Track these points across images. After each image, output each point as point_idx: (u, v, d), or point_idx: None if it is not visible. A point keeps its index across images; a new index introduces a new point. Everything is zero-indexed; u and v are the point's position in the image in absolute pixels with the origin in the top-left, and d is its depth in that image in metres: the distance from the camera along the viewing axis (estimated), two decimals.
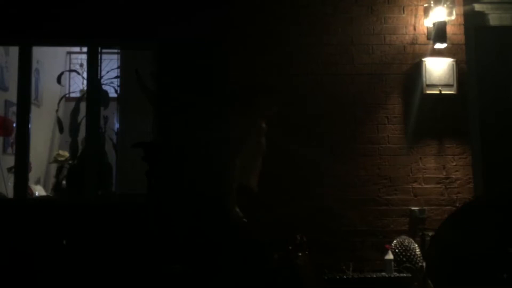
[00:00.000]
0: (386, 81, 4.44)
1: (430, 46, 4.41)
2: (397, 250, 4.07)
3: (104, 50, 4.76)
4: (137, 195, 4.23)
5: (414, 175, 4.35)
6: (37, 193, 5.42)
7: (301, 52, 4.40)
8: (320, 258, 3.92)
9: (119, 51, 5.32)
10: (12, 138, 5.44)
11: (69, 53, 6.78)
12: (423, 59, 4.39)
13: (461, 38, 4.48)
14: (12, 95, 5.02)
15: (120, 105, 5.05)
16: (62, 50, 6.61)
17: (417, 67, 4.41)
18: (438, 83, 4.36)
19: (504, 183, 4.36)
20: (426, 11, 4.42)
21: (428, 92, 4.36)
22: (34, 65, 5.28)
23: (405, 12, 4.51)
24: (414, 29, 4.48)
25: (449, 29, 4.38)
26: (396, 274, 3.95)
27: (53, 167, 5.78)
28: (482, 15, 4.64)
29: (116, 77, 5.13)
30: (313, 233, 4.00)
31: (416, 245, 4.10)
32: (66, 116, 5.29)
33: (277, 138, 4.24)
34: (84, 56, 5.56)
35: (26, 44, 4.48)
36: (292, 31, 4.42)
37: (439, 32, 4.30)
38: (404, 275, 3.93)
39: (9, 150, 5.59)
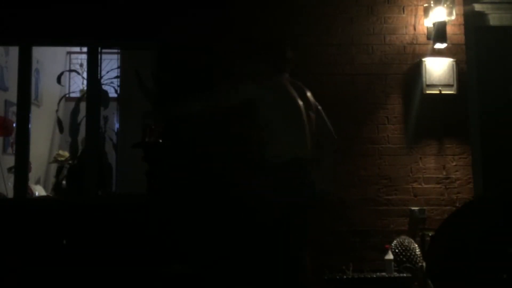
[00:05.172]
0: (386, 81, 4.44)
1: (430, 46, 4.42)
2: (397, 250, 4.07)
3: (104, 50, 4.75)
4: (137, 195, 4.23)
5: (414, 175, 4.36)
6: (37, 193, 5.41)
7: (301, 52, 4.39)
8: (320, 258, 3.92)
9: (119, 51, 5.32)
10: (12, 138, 5.44)
11: (69, 53, 6.77)
12: (423, 59, 4.39)
13: (461, 38, 4.48)
14: (12, 95, 5.01)
15: (120, 105, 5.05)
16: (62, 50, 6.60)
17: (417, 67, 4.41)
18: (438, 83, 4.37)
19: (504, 183, 4.37)
20: (426, 11, 4.42)
21: (428, 92, 4.37)
22: (34, 65, 5.28)
23: (405, 12, 4.51)
24: (414, 29, 4.49)
25: (449, 29, 4.38)
26: (396, 274, 3.95)
27: (53, 167, 5.77)
28: (482, 15, 4.64)
29: (116, 77, 5.12)
30: (313, 233, 4.01)
31: (416, 245, 4.10)
32: (66, 116, 5.29)
33: None
34: (84, 56, 5.56)
35: (26, 44, 4.47)
36: (292, 31, 4.41)
37: (439, 32, 4.30)
38: (404, 275, 3.93)
39: (9, 150, 5.59)
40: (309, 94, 3.50)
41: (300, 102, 3.38)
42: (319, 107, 3.54)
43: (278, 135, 3.30)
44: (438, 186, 4.35)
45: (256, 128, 3.47)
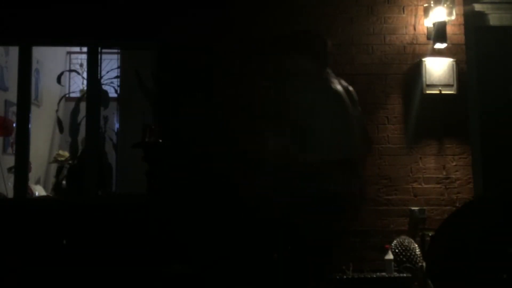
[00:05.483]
0: (386, 81, 4.44)
1: (430, 46, 4.42)
2: (397, 250, 4.07)
3: (104, 50, 4.75)
4: (137, 195, 4.23)
5: (414, 175, 4.35)
6: (37, 193, 5.42)
7: None
8: (320, 258, 3.91)
9: (119, 51, 5.32)
10: (12, 138, 5.44)
11: (69, 53, 6.78)
12: (423, 59, 4.39)
13: (461, 38, 4.48)
14: (12, 95, 5.01)
15: (120, 105, 5.05)
16: (62, 50, 6.61)
17: (417, 67, 4.41)
18: (438, 83, 4.37)
19: (504, 183, 4.37)
20: (426, 11, 4.42)
21: (428, 92, 4.36)
22: (34, 65, 5.28)
23: (405, 12, 4.51)
24: (414, 29, 4.48)
25: (449, 29, 4.38)
26: (396, 274, 3.94)
27: (53, 167, 5.78)
28: (482, 15, 4.64)
29: (116, 77, 5.13)
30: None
31: (416, 245, 4.10)
32: (66, 116, 5.29)
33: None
34: (84, 56, 5.56)
35: (26, 44, 4.47)
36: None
37: (439, 32, 4.30)
38: (404, 275, 3.93)
39: (9, 150, 5.59)
40: (351, 89, 3.22)
41: (348, 102, 3.13)
42: (359, 107, 3.26)
43: (325, 136, 3.02)
44: (438, 186, 4.35)
45: (278, 127, 3.25)
